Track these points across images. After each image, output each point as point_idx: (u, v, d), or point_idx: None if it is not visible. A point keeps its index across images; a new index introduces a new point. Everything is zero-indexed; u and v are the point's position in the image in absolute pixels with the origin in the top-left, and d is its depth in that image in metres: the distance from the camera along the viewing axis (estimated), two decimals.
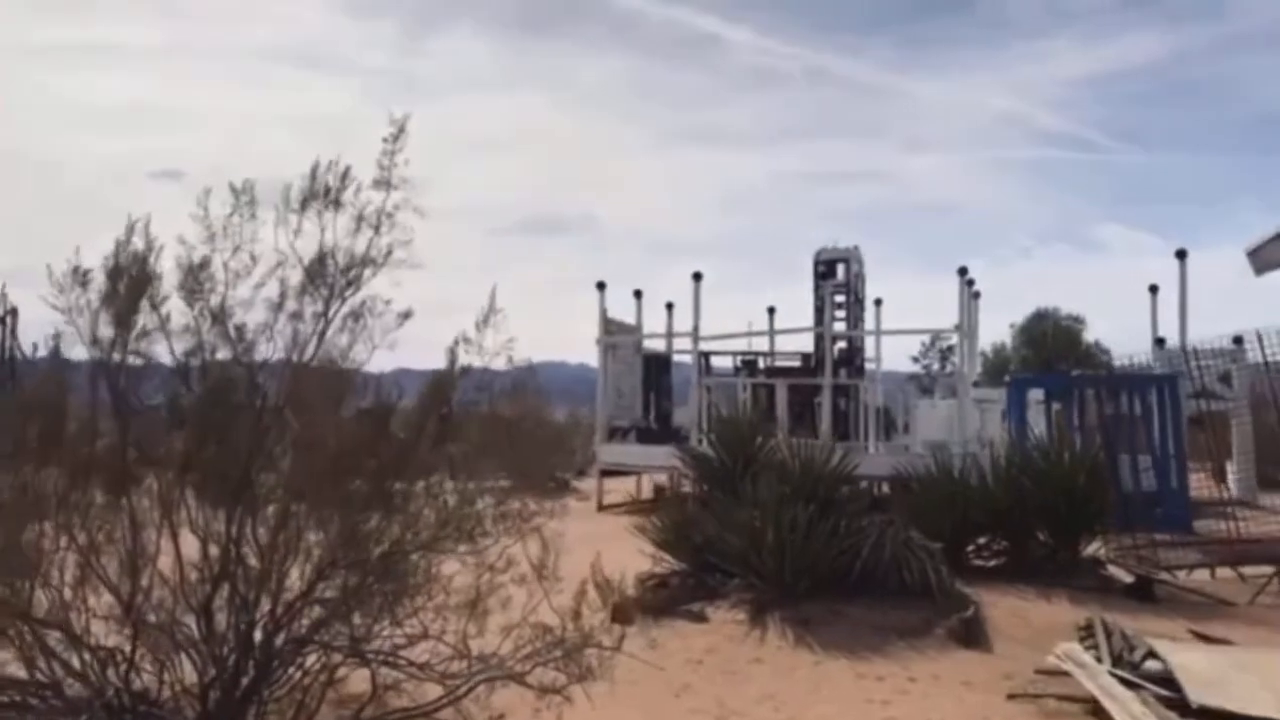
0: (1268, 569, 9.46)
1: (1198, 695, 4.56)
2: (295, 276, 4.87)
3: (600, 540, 10.23)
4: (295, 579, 4.90)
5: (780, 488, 8.72)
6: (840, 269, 22.73)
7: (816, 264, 23.02)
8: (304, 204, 4.85)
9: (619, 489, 23.68)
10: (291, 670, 4.86)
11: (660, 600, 8.83)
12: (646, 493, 22.54)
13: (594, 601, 5.32)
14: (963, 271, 20.21)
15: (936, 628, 7.82)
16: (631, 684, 6.22)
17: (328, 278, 4.92)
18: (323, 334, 5.00)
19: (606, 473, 22.23)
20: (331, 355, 4.99)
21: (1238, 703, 4.46)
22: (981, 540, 10.01)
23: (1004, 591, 8.92)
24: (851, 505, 9.15)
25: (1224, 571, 9.88)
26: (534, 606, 4.93)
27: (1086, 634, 6.90)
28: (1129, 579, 9.61)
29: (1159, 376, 16.65)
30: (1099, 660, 5.84)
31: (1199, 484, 16.69)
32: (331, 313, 4.97)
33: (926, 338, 64.91)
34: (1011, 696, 6.27)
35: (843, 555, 8.42)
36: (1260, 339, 13.12)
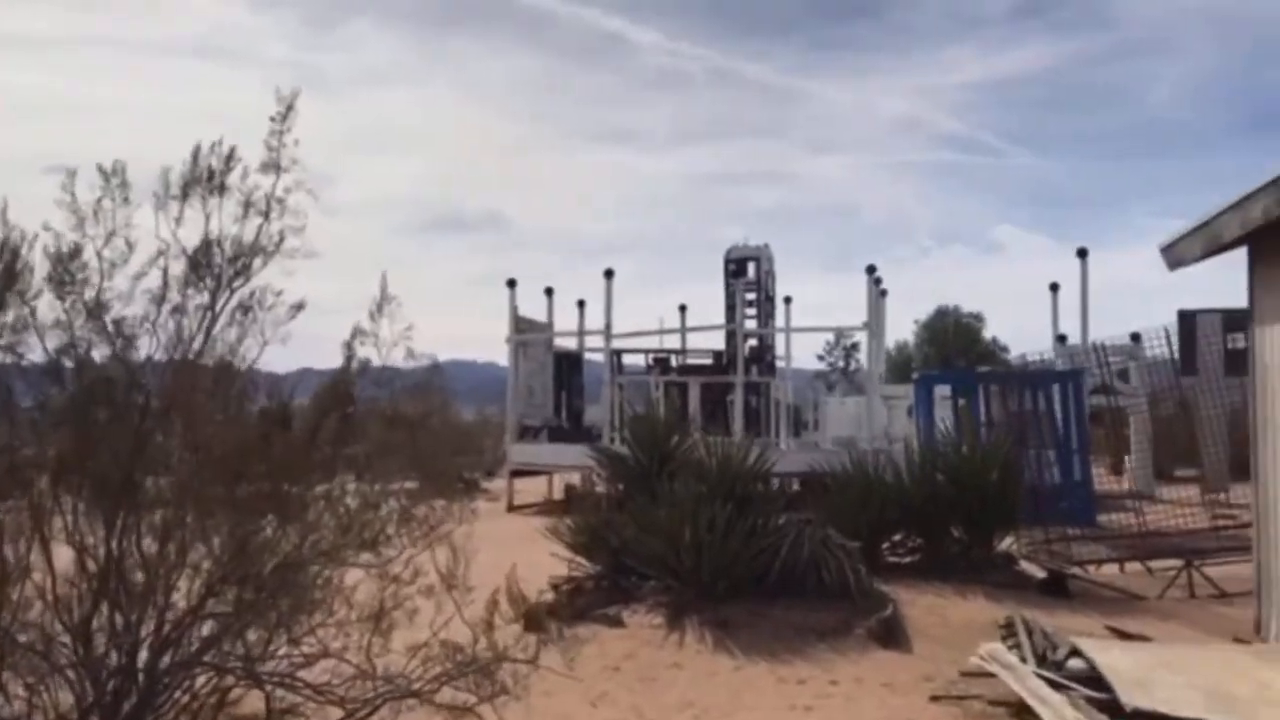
0: (1175, 562, 9.58)
1: (1129, 697, 4.47)
2: (178, 267, 4.49)
3: (511, 543, 9.95)
4: (183, 594, 4.52)
5: (697, 487, 8.52)
6: (751, 267, 22.73)
7: (727, 262, 22.98)
8: (185, 189, 4.47)
9: (530, 489, 23.31)
10: (179, 694, 4.47)
11: (575, 605, 8.57)
12: (558, 493, 22.25)
13: (507, 613, 5.02)
14: (870, 270, 20.34)
15: (856, 628, 7.69)
16: (546, 695, 5.93)
17: (214, 268, 4.54)
18: (210, 328, 4.62)
19: (517, 473, 21.86)
20: (220, 351, 4.61)
21: (1168, 704, 4.38)
22: (896, 537, 9.95)
23: (920, 589, 8.85)
24: (768, 504, 8.99)
25: (1132, 565, 10.01)
26: (444, 622, 4.61)
27: (1008, 632, 6.83)
28: (1042, 574, 9.65)
29: (1063, 373, 16.93)
30: (1023, 660, 5.75)
31: (1098, 478, 17.04)
32: (219, 305, 4.60)
33: (831, 335, 65.76)
34: (935, 698, 6.16)
35: (761, 555, 8.26)
36: (1168, 335, 13.37)
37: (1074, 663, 5.80)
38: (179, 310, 4.62)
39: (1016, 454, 9.97)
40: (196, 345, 4.54)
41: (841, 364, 66.76)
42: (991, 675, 5.95)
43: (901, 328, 58.59)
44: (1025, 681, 5.20)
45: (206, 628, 4.54)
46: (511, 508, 21.52)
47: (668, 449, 9.50)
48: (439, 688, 4.52)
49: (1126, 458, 22.27)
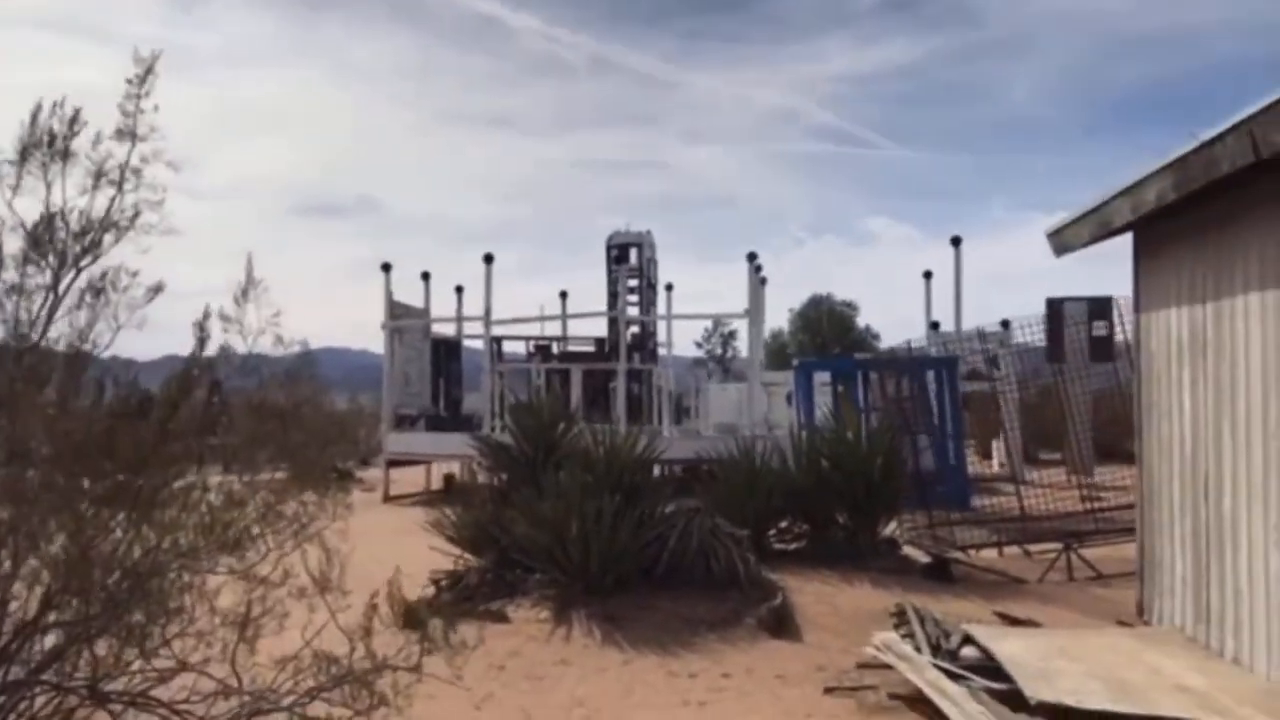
0: (1052, 546, 9.75)
1: (1033, 690, 4.41)
2: (15, 243, 4.02)
3: (388, 536, 9.54)
4: (20, 604, 4.07)
5: (583, 477, 8.27)
6: (633, 253, 22.55)
7: (609, 248, 22.76)
8: (23, 155, 4.00)
9: (407, 479, 22.71)
10: (14, 717, 4.01)
11: (458, 601, 8.24)
12: (437, 483, 21.74)
13: (387, 615, 4.68)
14: (751, 257, 20.39)
15: (746, 618, 7.57)
16: (429, 699, 5.59)
17: (57, 244, 4.08)
18: (53, 310, 4.16)
19: (393, 463, 21.28)
20: (66, 336, 4.16)
21: (1073, 695, 4.32)
22: (782, 524, 9.88)
23: (808, 576, 8.79)
24: (656, 493, 8.80)
25: (1011, 548, 10.15)
26: (318, 630, 4.26)
27: (899, 620, 6.77)
28: (925, 560, 9.70)
29: (939, 359, 17.23)
30: (917, 650, 5.68)
31: (969, 462, 17.41)
32: (63, 286, 4.14)
33: (709, 323, 66.32)
34: (829, 690, 6.05)
35: (649, 546, 8.07)
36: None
37: (968, 651, 5.75)
38: (17, 290, 4.15)
39: (899, 440, 9.99)
40: (39, 329, 4.08)
41: (719, 351, 67.43)
42: (887, 666, 5.87)
43: (777, 316, 59.22)
44: (923, 673, 5.11)
45: (50, 640, 4.09)
46: (388, 498, 20.92)
47: (553, 438, 9.23)
48: (311, 700, 4.17)
49: (995, 442, 22.89)
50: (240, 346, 4.47)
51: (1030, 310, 20.57)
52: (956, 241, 20.23)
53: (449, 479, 21.96)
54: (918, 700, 5.35)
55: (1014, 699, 4.52)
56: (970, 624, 6.61)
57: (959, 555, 9.34)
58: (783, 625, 7.46)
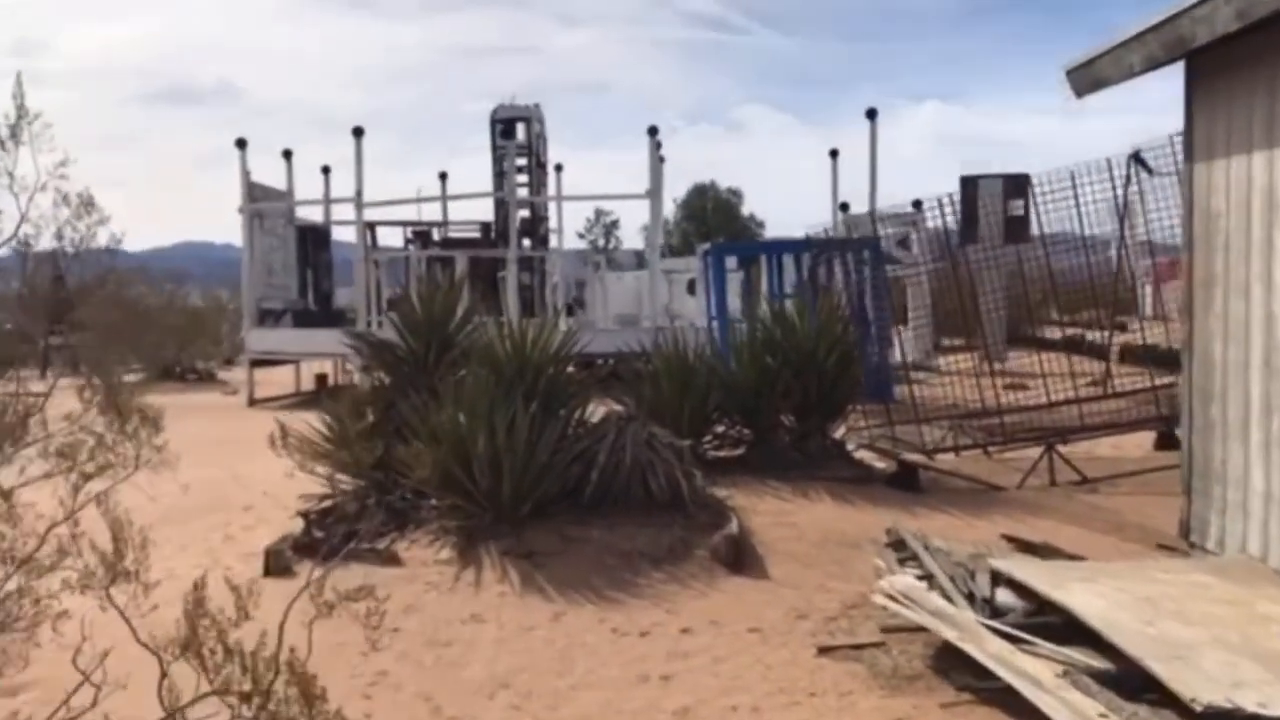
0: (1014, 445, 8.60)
1: (1187, 684, 3.09)
2: None
3: (250, 447, 7.79)
4: None
5: (488, 379, 6.67)
6: (520, 128, 20.53)
7: (494, 123, 20.68)
8: None
9: (274, 380, 20.70)
10: None
11: (334, 537, 6.64)
12: (308, 384, 19.82)
13: (222, 614, 3.04)
14: (652, 131, 18.64)
15: (696, 548, 6.18)
16: None
17: None
18: None
19: (258, 362, 19.24)
20: None
21: (1252, 694, 3.04)
22: (719, 428, 8.49)
23: (757, 491, 7.44)
24: (577, 398, 7.28)
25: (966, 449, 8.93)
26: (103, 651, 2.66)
27: (897, 549, 5.45)
28: (882, 465, 8.47)
29: (864, 240, 15.95)
30: (947, 599, 4.35)
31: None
32: None
33: (591, 213, 64.36)
34: (823, 651, 4.71)
35: (574, 463, 6.57)
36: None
37: (1004, 596, 4.45)
38: None
39: (856, 330, 8.65)
40: None
41: (602, 242, 65.73)
42: (880, 607, 4.55)
43: (664, 204, 57.68)
44: (981, 642, 3.78)
45: None
46: (253, 402, 18.95)
47: (446, 333, 7.56)
48: None
49: (900, 329, 22.01)
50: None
51: (904, 197, 19.65)
52: (872, 114, 18.86)
53: (321, 379, 20.05)
54: (946, 658, 4.05)
55: (1134, 687, 3.22)
56: (984, 552, 5.34)
57: (925, 460, 8.12)
58: (742, 557, 6.09)
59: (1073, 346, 13.91)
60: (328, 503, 7.32)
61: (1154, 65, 5.05)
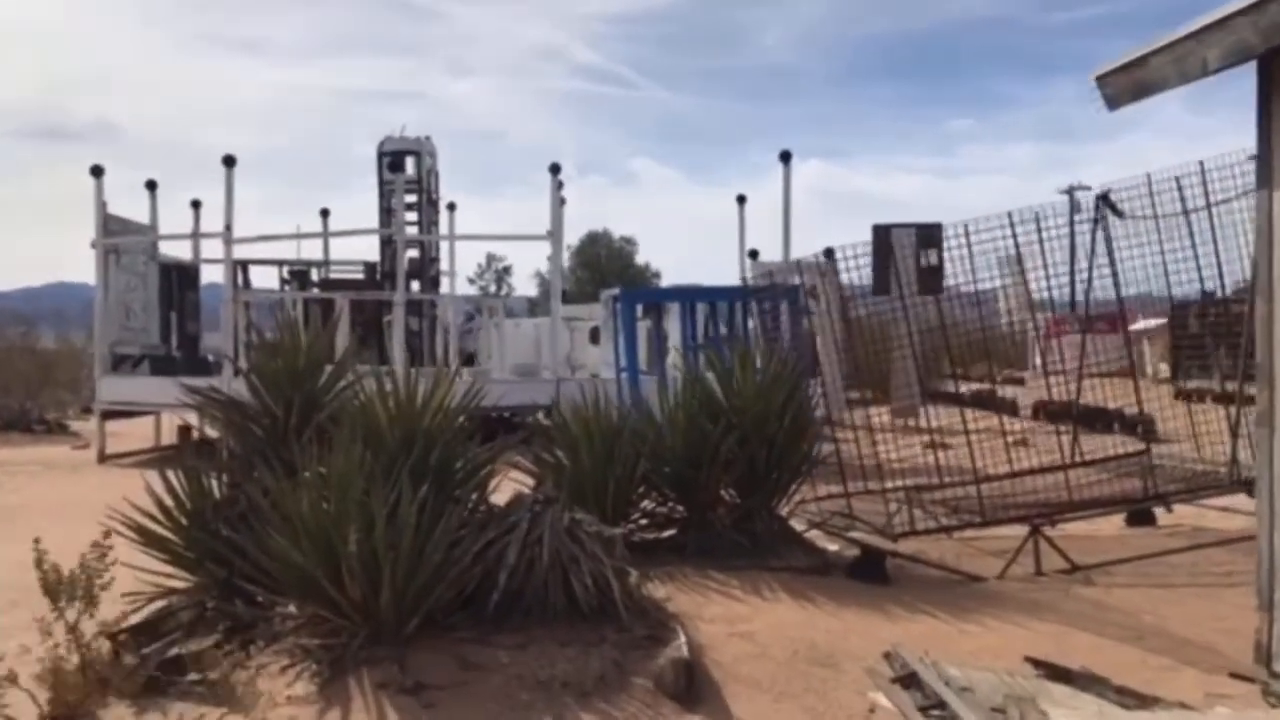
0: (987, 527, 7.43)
1: None
2: None
3: (88, 515, 6.09)
4: None
5: (361, 453, 5.19)
6: (410, 162, 19.05)
7: (381, 155, 19.15)
8: None
9: (132, 433, 18.62)
10: None
11: (156, 654, 5.07)
12: (171, 437, 17.80)
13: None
14: (555, 170, 17.38)
15: (635, 675, 4.78)
16: None
17: None
18: None
19: (110, 414, 17.21)
20: None
21: None
22: (645, 504, 7.13)
23: (698, 586, 6.10)
24: (474, 473, 5.84)
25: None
26: None
27: (908, 684, 4.15)
28: (834, 547, 7.22)
29: (785, 288, 14.89)
30: None
31: None
32: None
33: (483, 258, 62.77)
34: None
35: (475, 562, 5.12)
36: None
37: None
38: None
39: (804, 383, 7.39)
40: None
41: (494, 288, 64.22)
42: None
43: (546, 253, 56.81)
44: None
45: None
46: (103, 458, 16.90)
47: (313, 391, 6.05)
48: None
49: (811, 381, 21.07)
50: None
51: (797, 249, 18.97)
52: (786, 157, 17.91)
53: (185, 432, 18.06)
54: None
55: None
56: (1022, 692, 4.08)
57: (889, 544, 6.87)
58: (694, 686, 4.71)
59: (981, 403, 13.05)
60: (159, 604, 5.74)
61: (1238, 59, 3.94)
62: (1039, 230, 8.71)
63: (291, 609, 5.24)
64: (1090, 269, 9.05)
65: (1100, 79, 4.60)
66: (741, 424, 6.83)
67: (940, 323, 13.12)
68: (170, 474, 5.83)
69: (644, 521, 7.10)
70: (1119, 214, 8.75)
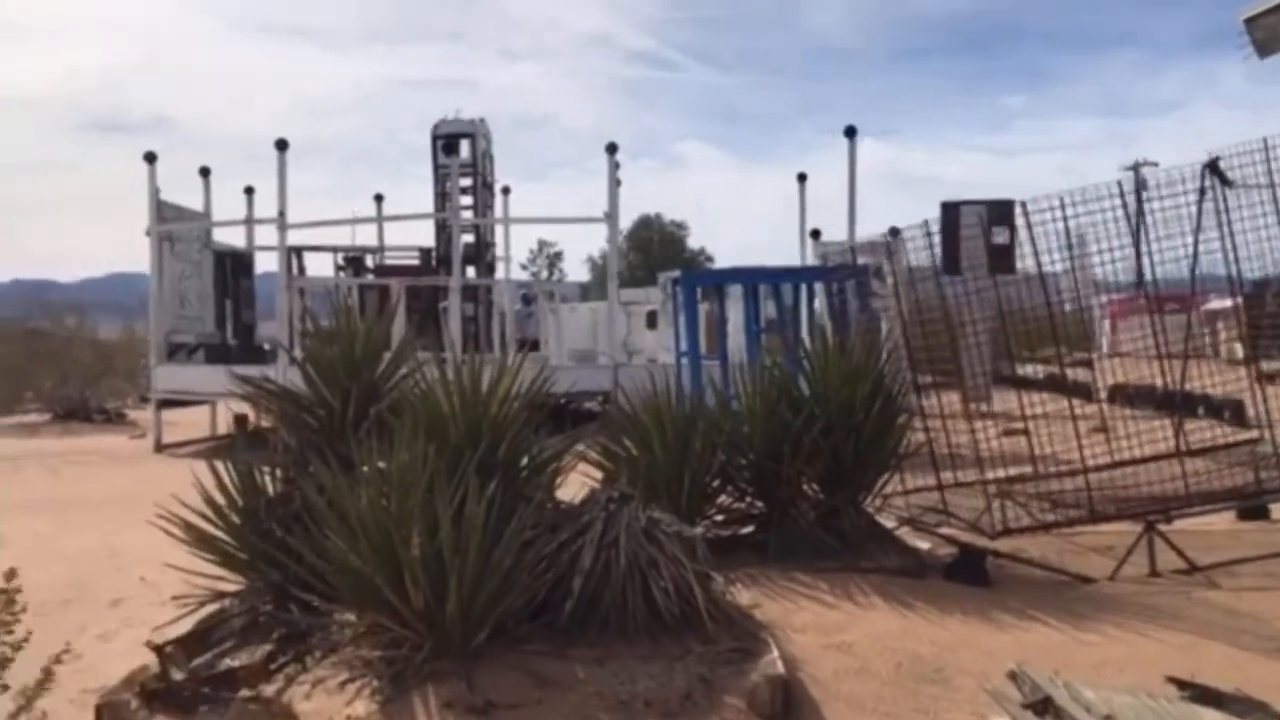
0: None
1: None
2: None
3: (140, 507, 5.77)
4: None
5: (425, 448, 4.78)
6: (465, 145, 18.70)
7: (435, 139, 18.82)
8: None
9: (188, 422, 18.51)
10: None
11: (204, 666, 4.72)
12: (227, 426, 17.66)
13: None
14: (611, 149, 16.95)
15: (724, 692, 4.33)
16: None
17: None
18: None
19: (166, 403, 17.11)
20: None
21: None
22: (722, 499, 6.68)
23: (784, 590, 5.64)
24: (549, 464, 5.42)
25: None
26: None
27: (1040, 711, 3.65)
28: (925, 545, 6.73)
29: (857, 268, 14.33)
30: None
31: None
32: None
33: (534, 243, 62.48)
34: None
35: (547, 568, 4.70)
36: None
37: None
38: None
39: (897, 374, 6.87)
40: None
41: (546, 274, 64.04)
42: None
43: (603, 238, 56.48)
44: None
45: None
46: (160, 447, 16.81)
47: (371, 379, 5.67)
48: None
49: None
50: None
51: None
52: (851, 132, 17.32)
53: (241, 421, 17.91)
54: None
55: None
56: (1166, 718, 3.57)
57: (989, 544, 6.36)
58: (791, 706, 4.26)
59: (1056, 386, 12.42)
60: (211, 607, 5.40)
61: None
62: (1132, 201, 8.07)
63: (351, 616, 4.86)
64: (1195, 244, 8.39)
65: (1250, 21, 4.03)
66: (826, 413, 6.35)
67: (1004, 306, 12.52)
68: (221, 468, 5.50)
69: (720, 518, 6.65)
70: (1228, 183, 8.11)
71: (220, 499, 5.42)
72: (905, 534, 6.88)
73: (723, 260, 57.83)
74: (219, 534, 5.38)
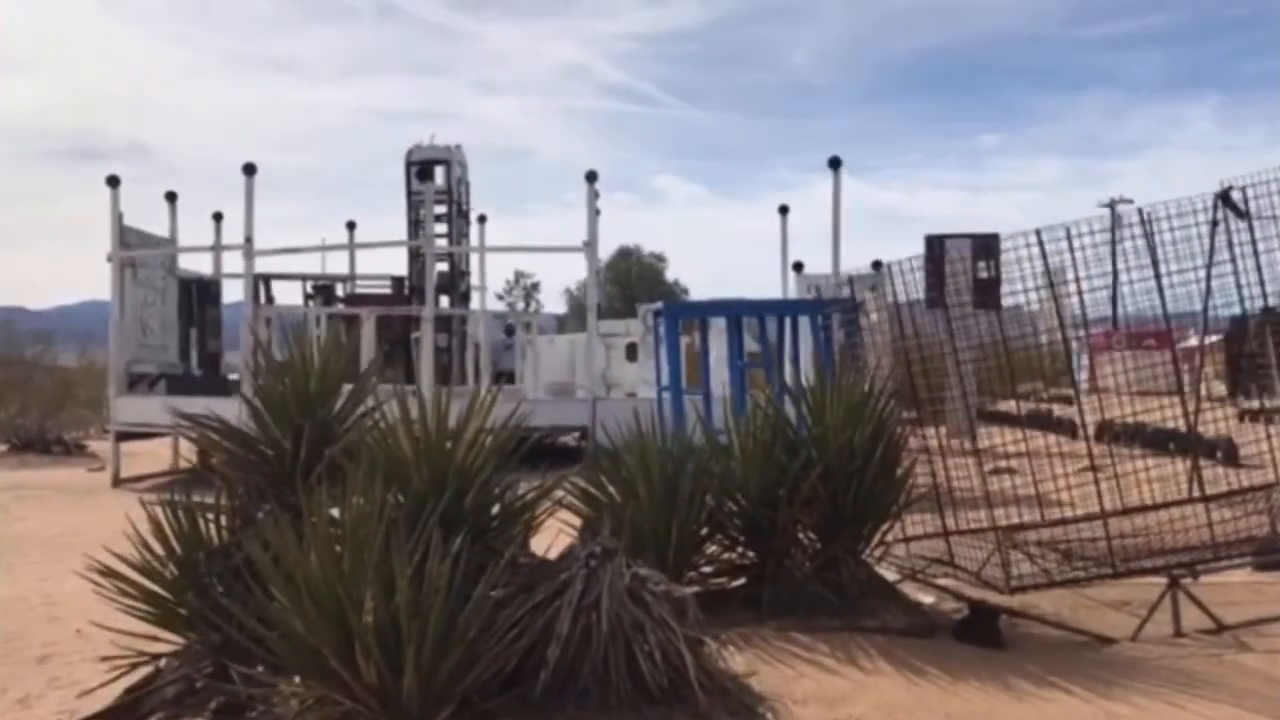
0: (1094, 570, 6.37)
1: None
2: None
3: (87, 548, 5.18)
4: None
5: (382, 496, 4.26)
6: (440, 172, 18.24)
7: (409, 165, 18.35)
8: None
9: (149, 454, 17.86)
10: None
11: None
12: (189, 459, 17.00)
13: None
14: (591, 177, 16.52)
15: None
16: None
17: None
18: None
19: (125, 435, 16.45)
20: None
21: None
22: (709, 548, 6.16)
23: (781, 653, 5.13)
24: (522, 514, 4.90)
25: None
26: None
27: None
28: (929, 599, 6.24)
29: (844, 301, 13.91)
30: None
31: None
32: None
33: (510, 274, 62.03)
34: None
35: (519, 634, 4.16)
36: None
37: None
38: None
39: (896, 410, 6.39)
40: None
41: (522, 305, 63.56)
42: None
43: (581, 270, 56.16)
44: None
45: None
46: (118, 481, 16.13)
47: (325, 419, 5.13)
48: None
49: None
50: None
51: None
52: (835, 164, 16.96)
53: (204, 454, 17.28)
54: None
55: None
56: None
57: (1003, 601, 5.86)
58: None
59: (1039, 423, 12.03)
60: (145, 670, 4.85)
61: None
62: (1149, 233, 7.68)
63: (297, 685, 4.31)
64: (1208, 276, 7.99)
65: None
66: (825, 455, 5.86)
67: (987, 339, 12.12)
68: (161, 513, 4.95)
69: (707, 568, 6.13)
70: (1241, 215, 7.72)
71: (159, 548, 4.88)
72: (906, 587, 6.39)
73: (699, 293, 57.63)
74: (155, 588, 4.83)
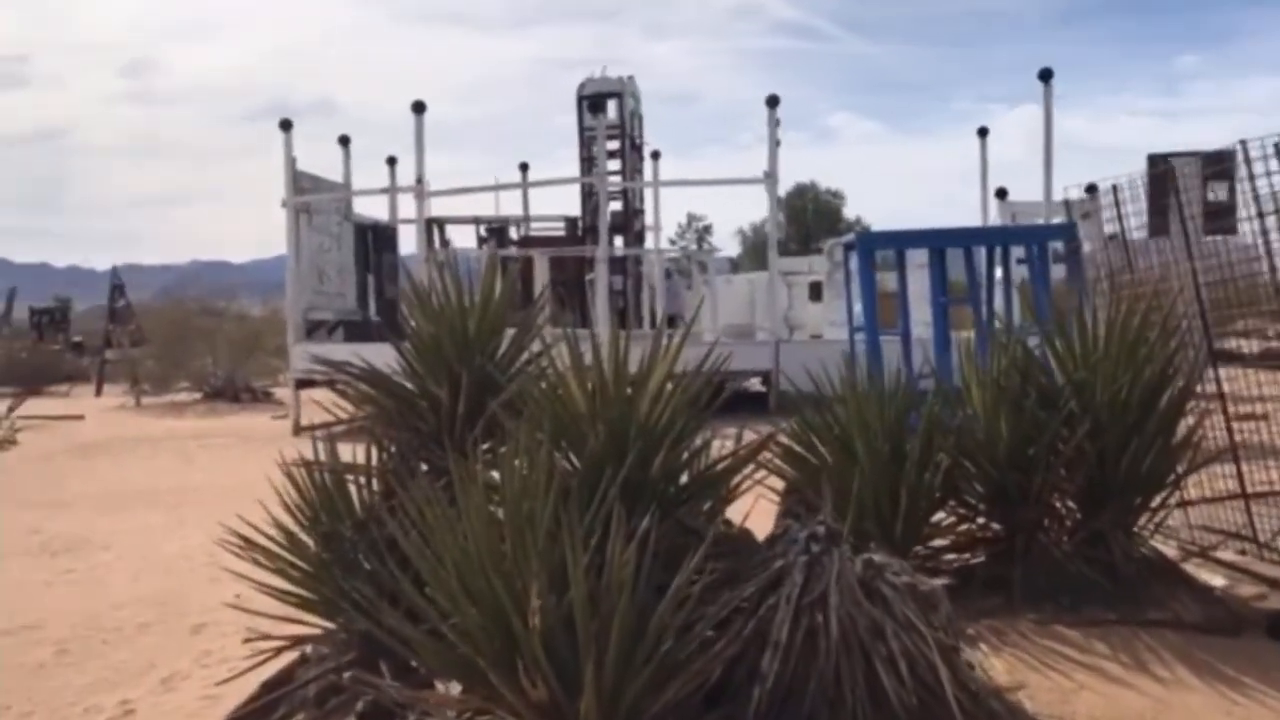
0: None
1: None
2: None
3: (256, 498, 4.61)
4: None
5: (550, 461, 3.41)
6: (612, 105, 17.40)
7: (581, 99, 17.59)
8: None
9: (335, 400, 17.94)
10: None
11: None
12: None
13: None
14: (772, 101, 15.38)
15: None
16: None
17: None
18: None
19: (304, 383, 16.42)
20: None
21: None
22: (938, 517, 5.11)
23: (1049, 653, 4.08)
24: (721, 482, 3.98)
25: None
26: None
27: None
28: (1220, 581, 5.02)
29: (1063, 227, 12.46)
30: None
31: None
32: None
33: (683, 217, 61.08)
34: None
35: (723, 641, 3.26)
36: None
37: None
38: None
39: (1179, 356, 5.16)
40: None
41: (695, 247, 62.66)
42: None
43: (759, 207, 54.51)
44: None
45: None
46: (298, 430, 16.13)
47: (486, 365, 4.35)
48: None
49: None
50: None
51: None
52: (1046, 76, 15.32)
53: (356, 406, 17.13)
54: None
55: None
56: None
57: None
58: None
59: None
60: (291, 655, 4.23)
61: None
62: None
63: (456, 688, 3.55)
64: None
65: None
66: (1091, 408, 4.72)
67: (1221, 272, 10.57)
68: (300, 475, 4.29)
69: (939, 541, 5.10)
70: None
71: (299, 517, 4.22)
72: (1187, 566, 5.20)
73: (880, 227, 55.51)
74: (294, 562, 4.17)
